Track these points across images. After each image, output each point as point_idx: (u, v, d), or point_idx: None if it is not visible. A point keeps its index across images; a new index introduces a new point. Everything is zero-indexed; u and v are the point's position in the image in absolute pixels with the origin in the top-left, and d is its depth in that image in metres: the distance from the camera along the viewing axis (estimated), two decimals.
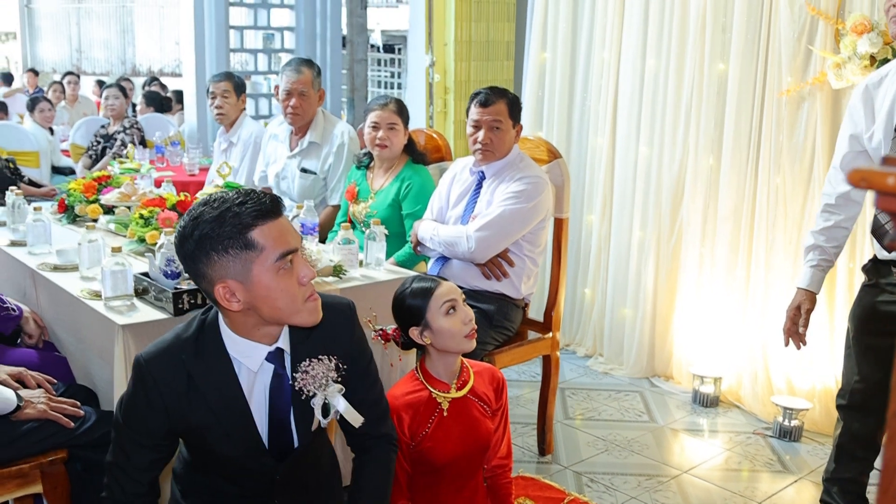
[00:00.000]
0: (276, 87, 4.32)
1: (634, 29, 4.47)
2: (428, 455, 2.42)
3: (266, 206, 1.82)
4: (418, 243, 3.56)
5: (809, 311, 2.94)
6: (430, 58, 5.22)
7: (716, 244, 4.28)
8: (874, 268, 2.83)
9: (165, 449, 2.02)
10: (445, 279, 2.49)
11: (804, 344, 2.98)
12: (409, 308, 2.44)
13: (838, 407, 2.96)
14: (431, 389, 2.45)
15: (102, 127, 6.87)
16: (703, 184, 4.28)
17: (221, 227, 1.79)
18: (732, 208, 4.17)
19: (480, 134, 3.42)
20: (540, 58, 4.88)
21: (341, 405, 2.02)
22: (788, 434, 3.92)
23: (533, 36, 4.88)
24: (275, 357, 1.97)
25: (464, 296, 2.47)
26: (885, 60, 3.51)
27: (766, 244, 4.06)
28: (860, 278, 3.00)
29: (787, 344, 2.99)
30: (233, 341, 1.93)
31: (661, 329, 4.57)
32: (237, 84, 4.98)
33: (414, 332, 2.43)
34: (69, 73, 10.22)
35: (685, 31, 4.28)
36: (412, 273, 3.18)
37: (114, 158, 6.29)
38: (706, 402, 4.29)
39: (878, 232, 2.70)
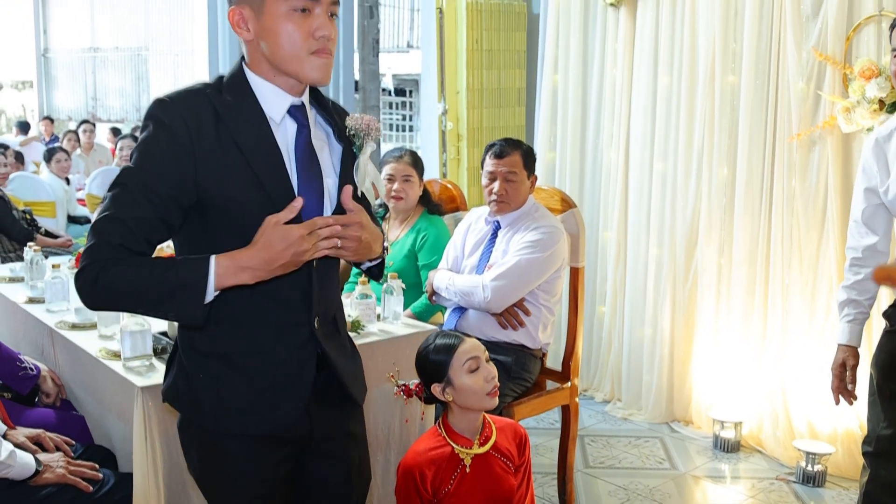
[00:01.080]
0: None
1: (644, 81, 4.50)
2: None
3: None
4: (434, 293, 3.57)
5: (854, 366, 2.92)
6: (443, 105, 5.27)
7: (731, 287, 4.27)
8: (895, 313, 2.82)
9: (175, 215, 1.77)
10: (469, 335, 2.49)
11: (855, 399, 2.96)
12: (433, 364, 2.44)
13: (865, 454, 2.92)
14: (454, 445, 2.44)
15: None
16: (716, 228, 4.29)
17: None
18: (747, 252, 4.17)
19: (496, 185, 3.44)
20: (552, 80, 4.92)
21: (372, 172, 1.95)
22: (812, 479, 3.87)
23: (546, 57, 4.93)
24: (297, 112, 1.87)
25: (487, 353, 2.47)
26: (894, 104, 3.53)
27: (782, 287, 4.05)
28: (879, 321, 2.98)
29: (837, 402, 2.96)
30: (256, 84, 1.84)
31: (680, 373, 4.54)
32: None
33: (436, 389, 2.43)
34: (85, 121, 10.34)
35: (695, 81, 4.31)
36: (430, 327, 3.18)
37: None
38: (727, 448, 4.25)
39: None
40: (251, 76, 1.84)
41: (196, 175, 1.75)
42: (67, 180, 7.33)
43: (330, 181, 1.91)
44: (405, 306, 3.46)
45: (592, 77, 4.80)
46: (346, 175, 1.94)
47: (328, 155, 1.94)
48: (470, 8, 5.19)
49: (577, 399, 3.69)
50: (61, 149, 7.49)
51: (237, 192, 1.77)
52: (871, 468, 2.88)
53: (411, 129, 12.07)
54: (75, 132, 9.80)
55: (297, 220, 1.78)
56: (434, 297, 3.58)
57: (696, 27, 4.28)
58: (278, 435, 1.92)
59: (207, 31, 6.50)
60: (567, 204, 3.70)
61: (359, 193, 1.95)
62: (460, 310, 3.53)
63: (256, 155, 1.79)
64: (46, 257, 3.85)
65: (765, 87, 4.05)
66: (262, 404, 1.89)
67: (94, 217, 1.78)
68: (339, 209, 1.89)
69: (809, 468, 3.88)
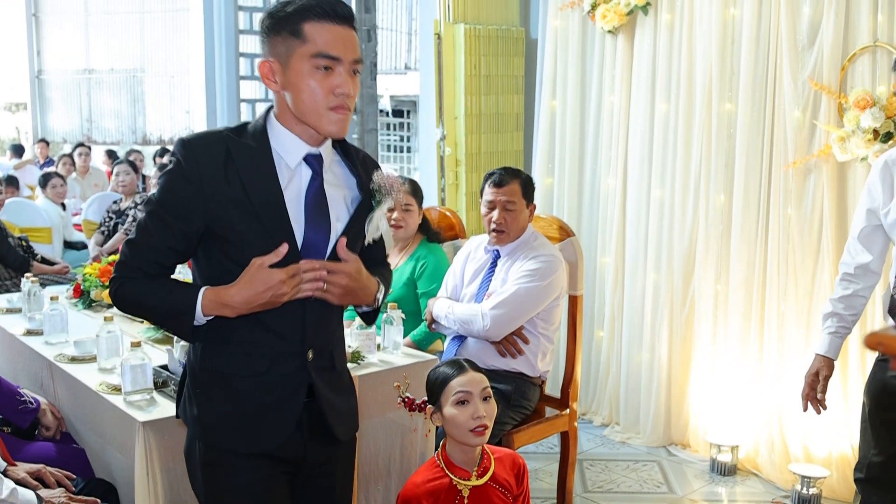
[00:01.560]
0: None
1: (641, 108, 4.54)
2: None
3: (330, 6, 1.90)
4: (433, 321, 3.58)
5: (827, 377, 2.98)
6: (441, 131, 5.29)
7: (728, 313, 4.29)
8: None
9: (184, 242, 1.97)
10: (478, 369, 2.51)
11: (824, 409, 3.01)
12: (430, 386, 2.51)
13: (856, 481, 2.96)
14: (452, 476, 2.45)
15: (115, 203, 6.92)
16: (713, 254, 4.31)
17: (283, 9, 1.90)
18: (744, 278, 4.19)
19: (495, 214, 3.46)
20: (550, 105, 4.95)
21: (384, 227, 2.09)
22: (807, 502, 3.89)
23: (544, 82, 4.97)
24: (314, 160, 2.01)
25: (488, 391, 2.48)
26: (889, 135, 3.56)
27: (778, 314, 4.08)
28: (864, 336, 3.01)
29: (805, 409, 3.03)
30: (276, 132, 1.99)
31: (677, 397, 4.56)
32: None
33: (428, 411, 2.50)
34: (80, 144, 10.32)
35: (692, 109, 4.34)
36: (429, 356, 3.19)
37: (126, 235, 6.34)
38: (724, 471, 4.26)
39: (894, 311, 2.72)
40: (273, 124, 2.01)
41: (204, 208, 1.93)
42: (63, 206, 7.32)
43: (340, 224, 2.05)
44: (404, 334, 3.47)
45: (590, 103, 4.84)
46: (357, 222, 2.08)
47: (343, 201, 2.07)
48: (468, 34, 5.22)
49: (575, 424, 3.71)
50: (57, 174, 7.49)
51: (239, 225, 1.94)
52: (862, 494, 2.92)
53: (409, 150, 12.11)
54: (70, 156, 9.78)
55: (299, 257, 1.97)
56: (434, 326, 3.60)
57: (694, 55, 4.32)
58: (273, 454, 2.06)
59: (204, 54, 6.55)
60: (565, 232, 3.72)
61: (366, 243, 2.13)
62: (460, 338, 3.55)
63: (257, 192, 1.94)
64: (44, 286, 3.85)
65: (761, 115, 4.08)
66: (252, 424, 2.03)
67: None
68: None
69: (805, 491, 3.90)
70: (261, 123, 2.01)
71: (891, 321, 2.79)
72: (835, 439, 3.95)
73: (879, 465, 2.84)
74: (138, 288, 2.00)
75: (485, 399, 2.47)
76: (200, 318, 1.96)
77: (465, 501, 2.45)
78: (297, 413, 2.05)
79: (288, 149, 1.98)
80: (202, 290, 1.96)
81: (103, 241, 6.61)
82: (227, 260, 1.97)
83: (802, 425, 4.02)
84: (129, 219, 6.59)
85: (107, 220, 6.77)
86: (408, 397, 2.55)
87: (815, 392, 2.99)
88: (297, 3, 1.90)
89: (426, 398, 2.54)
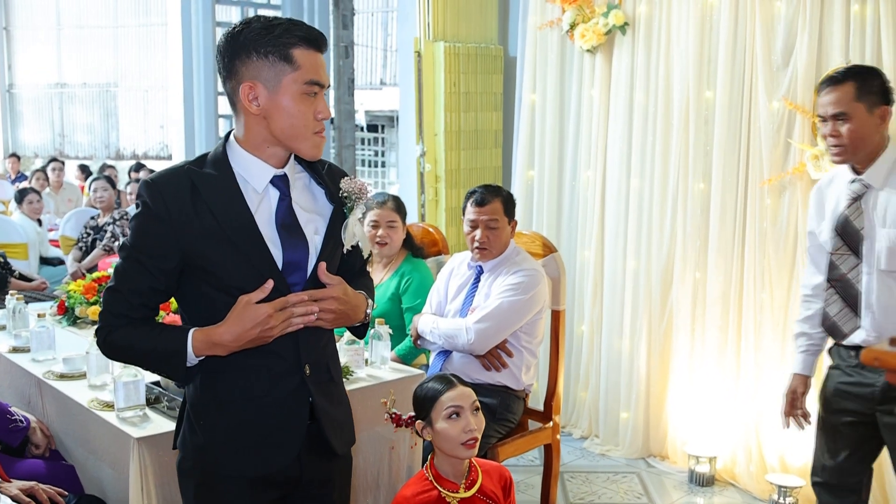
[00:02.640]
0: None
1: (619, 128, 4.62)
2: None
3: (315, 35, 1.95)
4: (419, 336, 3.63)
5: (804, 393, 3.11)
6: (421, 148, 5.34)
7: (706, 326, 4.36)
8: (836, 351, 3.01)
9: (164, 280, 1.98)
10: (465, 383, 2.54)
11: (809, 423, 3.12)
12: (420, 401, 2.52)
13: (813, 484, 3.11)
14: (440, 489, 2.48)
15: (92, 218, 6.88)
16: (691, 268, 4.39)
17: (270, 34, 1.91)
18: (721, 292, 4.27)
19: (478, 233, 3.52)
20: (530, 99, 5.02)
21: (358, 231, 2.09)
22: None
23: (524, 86, 5.03)
24: (280, 182, 2.02)
25: (477, 404, 2.52)
26: None
27: (755, 326, 4.15)
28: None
29: (787, 426, 3.15)
30: (240, 157, 2.00)
31: (656, 409, 4.62)
32: None
33: (418, 425, 2.51)
34: (53, 159, 10.26)
35: (669, 127, 4.42)
36: (416, 371, 3.24)
37: (105, 251, 6.31)
38: (702, 482, 4.33)
39: (827, 325, 2.94)
40: (236, 150, 2.01)
41: (178, 244, 1.95)
42: (39, 221, 7.28)
43: (318, 238, 2.06)
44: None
45: (569, 122, 4.90)
46: (333, 233, 2.08)
47: (316, 214, 2.09)
48: (447, 51, 5.29)
49: (558, 437, 3.76)
50: (33, 190, 7.46)
51: (215, 255, 1.95)
52: (818, 497, 3.05)
53: (384, 164, 12.17)
54: (44, 170, 9.72)
55: (283, 279, 1.99)
56: (419, 342, 3.64)
57: (671, 74, 4.40)
58: (270, 477, 2.06)
59: (182, 68, 6.55)
60: (548, 248, 3.78)
61: (344, 251, 2.11)
62: (445, 353, 3.59)
63: (228, 220, 1.95)
64: (27, 304, 3.85)
65: (737, 133, 4.17)
66: (256, 449, 2.04)
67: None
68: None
69: (781, 501, 3.97)
70: (221, 151, 2.01)
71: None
72: (810, 449, 4.01)
73: (831, 468, 2.99)
74: (126, 335, 2.00)
75: (474, 412, 2.51)
76: (192, 359, 1.97)
77: None
78: (301, 435, 2.06)
79: (253, 173, 2.00)
80: (191, 331, 1.96)
81: (81, 257, 6.58)
82: (210, 289, 1.98)
83: (779, 436, 4.10)
84: (108, 234, 6.57)
85: (84, 235, 6.74)
86: (395, 413, 2.57)
87: (795, 409, 3.10)
88: (282, 27, 1.92)
89: (413, 414, 2.57)
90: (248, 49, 1.91)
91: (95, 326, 2.13)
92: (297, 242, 2.01)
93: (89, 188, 7.20)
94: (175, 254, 1.95)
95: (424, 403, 2.51)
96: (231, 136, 2.03)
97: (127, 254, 1.98)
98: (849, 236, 2.83)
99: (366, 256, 2.22)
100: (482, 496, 2.53)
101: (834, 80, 2.80)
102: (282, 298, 1.94)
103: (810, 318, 3.06)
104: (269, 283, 1.94)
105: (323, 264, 2.02)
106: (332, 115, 7.30)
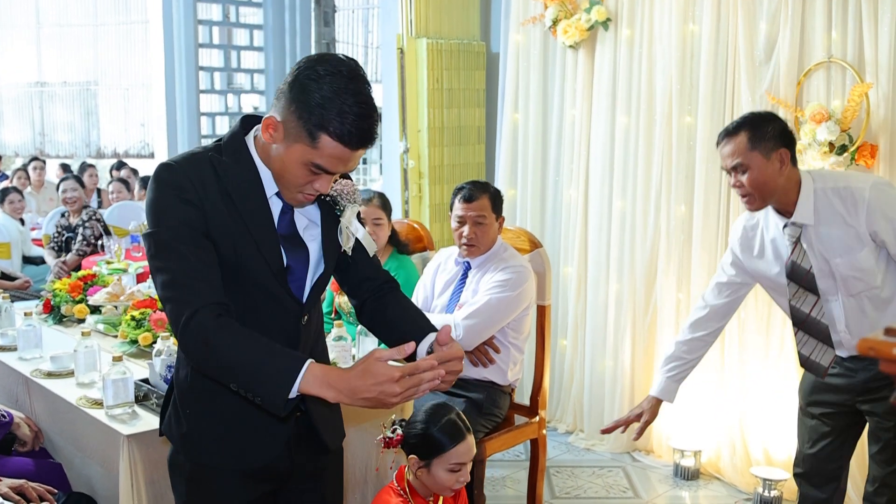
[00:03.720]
0: None
1: (602, 121, 4.64)
2: None
3: (362, 137, 1.82)
4: None
5: (648, 423, 3.17)
6: (405, 144, 5.35)
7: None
8: None
9: (210, 254, 1.87)
10: (469, 427, 2.57)
11: (635, 440, 3.27)
12: (424, 443, 2.52)
13: (795, 475, 3.15)
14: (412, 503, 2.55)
15: (63, 216, 6.82)
16: (675, 263, 4.42)
17: (322, 107, 1.78)
18: (704, 286, 4.27)
19: (465, 229, 3.53)
20: (512, 118, 5.04)
21: (360, 231, 2.07)
22: None
23: (506, 96, 5.06)
24: (281, 197, 1.97)
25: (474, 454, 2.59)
26: (843, 147, 3.70)
27: (738, 322, 4.18)
28: None
29: (605, 432, 3.24)
30: (255, 158, 1.95)
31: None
32: None
33: (412, 460, 2.53)
34: (34, 158, 10.20)
35: (652, 122, 4.45)
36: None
37: (79, 255, 6.27)
38: (687, 476, 4.36)
39: (805, 365, 2.98)
40: (255, 154, 1.95)
41: (204, 222, 1.87)
42: (22, 220, 7.24)
43: (315, 244, 2.03)
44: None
45: (552, 116, 4.93)
46: (329, 238, 2.05)
47: (312, 224, 2.05)
48: (430, 48, 5.30)
49: (544, 432, 3.78)
50: (15, 189, 7.41)
51: (237, 245, 1.90)
52: (800, 487, 3.11)
53: (364, 161, 12.15)
54: (25, 170, 9.66)
55: (286, 280, 1.96)
56: None
57: (654, 70, 4.43)
58: (260, 470, 2.05)
59: (164, 67, 6.54)
60: (534, 244, 3.80)
61: (344, 251, 2.08)
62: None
63: (251, 212, 1.92)
64: (12, 302, 3.84)
65: (720, 127, 4.16)
66: (243, 441, 2.02)
67: (160, 290, 1.86)
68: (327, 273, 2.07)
69: (766, 494, 4.01)
70: (241, 141, 1.96)
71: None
72: (794, 442, 4.05)
73: (811, 458, 3.05)
74: (234, 330, 1.81)
75: (469, 462, 2.57)
76: (295, 391, 1.75)
77: None
78: (288, 429, 2.04)
79: (265, 178, 1.95)
80: (308, 362, 1.77)
81: (56, 255, 6.55)
82: (233, 284, 1.90)
83: (763, 429, 4.14)
84: (80, 238, 6.51)
85: (56, 235, 6.69)
86: (389, 438, 2.59)
87: (627, 425, 3.16)
88: (335, 110, 1.78)
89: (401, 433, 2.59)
90: (297, 98, 1.81)
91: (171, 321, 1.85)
92: (298, 251, 2.00)
93: (58, 188, 7.09)
94: (204, 234, 1.87)
95: (429, 449, 2.51)
96: (254, 130, 1.97)
97: (164, 243, 1.85)
98: (801, 278, 2.85)
99: (371, 255, 2.16)
100: None
101: (728, 133, 2.82)
102: (413, 364, 1.75)
103: (690, 343, 3.16)
104: (411, 346, 1.80)
105: (448, 327, 1.95)
106: None
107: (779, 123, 2.81)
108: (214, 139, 2.03)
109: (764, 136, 2.76)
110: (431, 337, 2.01)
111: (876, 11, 3.67)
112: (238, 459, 2.03)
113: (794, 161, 2.80)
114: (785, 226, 2.84)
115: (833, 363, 2.90)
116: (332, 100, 1.78)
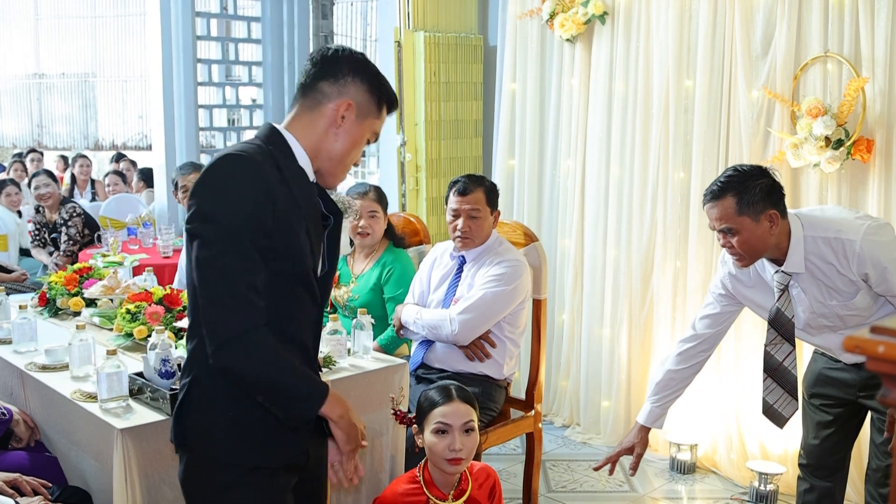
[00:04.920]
0: None
1: (599, 117, 4.63)
2: None
3: (395, 105, 2.16)
4: (401, 327, 3.64)
5: (640, 455, 3.20)
6: (402, 137, 5.35)
7: (686, 314, 4.39)
8: None
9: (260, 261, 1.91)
10: (467, 398, 2.56)
11: (633, 475, 3.34)
12: (419, 407, 2.57)
13: (800, 466, 3.18)
14: (429, 495, 2.53)
15: (38, 211, 6.73)
16: (671, 257, 4.42)
17: (380, 80, 2.09)
18: (701, 280, 4.30)
19: (460, 222, 3.53)
20: (510, 88, 5.03)
21: (346, 248, 2.27)
22: (765, 498, 4.01)
23: (505, 75, 5.05)
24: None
25: (471, 424, 2.53)
26: (840, 142, 3.70)
27: None
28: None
29: (598, 468, 3.24)
30: (300, 154, 2.05)
31: (637, 398, 4.65)
32: None
33: (414, 429, 2.57)
34: (32, 150, 10.19)
35: (649, 116, 4.45)
36: (399, 360, 3.24)
37: (67, 256, 6.26)
38: (683, 469, 4.37)
39: (767, 413, 3.05)
40: (297, 147, 2.05)
41: (272, 215, 1.91)
42: (19, 213, 7.23)
43: (324, 247, 2.16)
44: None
45: (549, 111, 4.92)
46: (332, 243, 2.18)
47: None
48: (428, 41, 5.29)
49: (540, 426, 3.79)
50: (12, 181, 7.40)
51: (297, 238, 1.98)
52: (805, 478, 3.14)
53: (363, 154, 12.15)
54: (22, 161, 9.65)
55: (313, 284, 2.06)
56: (402, 331, 3.65)
57: (651, 64, 4.43)
58: (289, 465, 2.08)
59: (161, 58, 6.51)
60: (529, 238, 3.80)
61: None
62: (427, 342, 3.61)
63: (308, 207, 2.03)
64: (8, 295, 3.83)
65: (717, 122, 4.20)
66: (280, 437, 2.03)
67: (209, 286, 1.88)
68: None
69: (762, 488, 4.02)
70: (282, 140, 2.03)
71: None
72: (789, 437, 4.07)
73: (816, 448, 3.07)
74: (276, 347, 1.91)
75: (466, 431, 2.51)
76: (316, 409, 1.96)
77: None
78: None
79: (308, 172, 2.09)
80: (330, 391, 2.00)
81: (42, 250, 6.55)
82: (277, 276, 1.95)
83: (759, 424, 4.14)
84: (64, 237, 6.43)
85: (35, 230, 6.65)
86: (399, 410, 2.59)
87: (616, 460, 3.18)
88: (386, 86, 2.10)
89: (414, 416, 2.60)
90: (369, 78, 2.06)
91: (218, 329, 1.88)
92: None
93: (30, 185, 6.94)
94: (268, 235, 1.91)
95: (421, 410, 2.54)
96: (285, 130, 2.05)
97: (232, 235, 1.86)
98: (781, 326, 2.86)
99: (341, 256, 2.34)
100: None
101: (713, 195, 2.75)
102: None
103: (681, 373, 3.17)
104: None
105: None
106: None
107: (765, 180, 2.73)
108: (243, 134, 2.12)
109: (752, 199, 2.69)
110: None
111: (872, 6, 3.67)
112: (276, 456, 2.05)
113: (783, 215, 2.75)
114: (776, 272, 2.83)
115: (793, 415, 2.97)
116: (379, 75, 2.09)
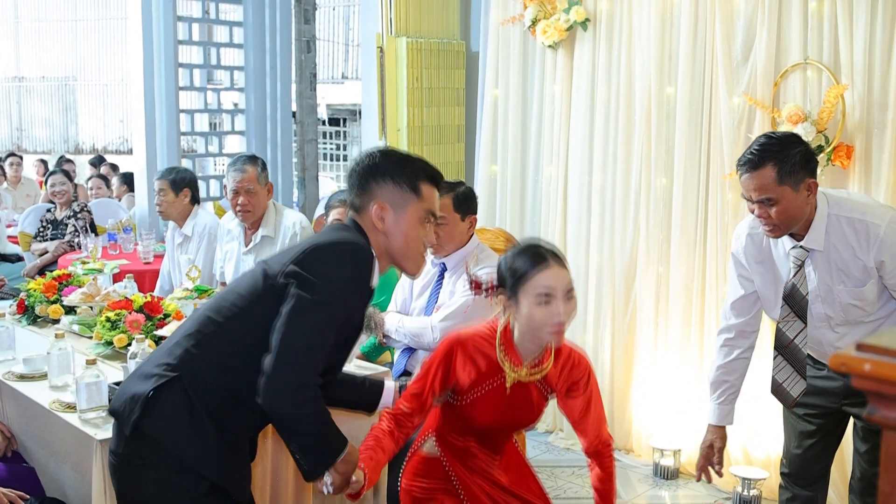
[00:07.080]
0: (225, 187, 4.36)
1: (581, 124, 4.64)
2: (465, 411, 2.39)
3: (437, 175, 2.32)
4: (384, 335, 3.62)
5: (722, 448, 3.10)
6: (384, 143, 5.34)
7: (669, 319, 4.40)
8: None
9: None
10: (562, 261, 2.32)
11: (720, 476, 3.17)
12: (510, 270, 2.32)
13: (782, 474, 3.17)
14: (503, 359, 2.36)
15: (48, 211, 6.80)
16: (654, 262, 4.42)
17: (405, 167, 2.27)
18: (683, 285, 4.31)
19: None
20: (492, 94, 5.02)
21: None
22: (748, 503, 4.01)
23: (487, 81, 5.04)
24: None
25: (572, 287, 2.32)
26: (820, 148, 3.71)
27: (717, 319, 4.18)
28: None
29: (699, 479, 3.16)
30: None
31: (620, 403, 4.65)
32: (172, 182, 4.85)
33: (501, 298, 2.35)
34: (11, 154, 10.11)
35: (631, 121, 4.46)
36: (382, 368, 3.23)
37: (69, 247, 6.23)
38: (667, 475, 4.37)
39: (774, 391, 2.98)
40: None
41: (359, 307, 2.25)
42: None
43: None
44: None
45: (531, 117, 4.91)
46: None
47: None
48: (410, 47, 5.29)
49: (523, 432, 3.77)
50: None
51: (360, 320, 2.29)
52: (787, 486, 3.12)
53: (345, 158, 12.16)
54: (1, 165, 9.57)
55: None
56: (384, 340, 3.63)
57: (633, 70, 4.43)
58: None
59: (143, 62, 6.47)
60: (512, 244, 3.77)
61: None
62: (410, 350, 3.59)
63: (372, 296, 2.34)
64: None
65: (698, 129, 4.21)
66: (244, 468, 2.28)
67: (309, 334, 2.10)
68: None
69: (745, 493, 4.02)
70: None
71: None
72: (773, 442, 4.08)
73: (798, 457, 3.06)
74: (321, 404, 2.13)
75: (567, 298, 2.29)
76: (333, 461, 2.13)
77: (507, 390, 2.36)
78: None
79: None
80: (349, 445, 2.16)
81: (43, 251, 6.51)
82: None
83: (742, 429, 4.14)
84: (70, 229, 6.49)
85: (41, 229, 6.65)
86: (476, 279, 2.40)
87: (709, 462, 3.10)
88: (416, 164, 2.29)
89: (495, 283, 2.36)
90: (385, 175, 2.24)
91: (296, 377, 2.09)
92: None
93: (46, 183, 7.10)
94: (351, 312, 2.22)
95: (514, 278, 2.28)
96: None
97: (329, 315, 2.11)
98: (795, 303, 2.81)
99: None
100: (540, 385, 2.41)
101: (752, 164, 2.65)
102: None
103: (730, 365, 3.04)
104: None
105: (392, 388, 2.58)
106: (294, 109, 7.26)
107: (802, 147, 2.66)
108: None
109: (792, 168, 2.61)
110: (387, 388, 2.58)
111: (851, 14, 3.69)
112: (239, 486, 2.24)
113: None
114: (794, 247, 2.78)
115: (803, 393, 2.91)
116: (404, 159, 2.30)
